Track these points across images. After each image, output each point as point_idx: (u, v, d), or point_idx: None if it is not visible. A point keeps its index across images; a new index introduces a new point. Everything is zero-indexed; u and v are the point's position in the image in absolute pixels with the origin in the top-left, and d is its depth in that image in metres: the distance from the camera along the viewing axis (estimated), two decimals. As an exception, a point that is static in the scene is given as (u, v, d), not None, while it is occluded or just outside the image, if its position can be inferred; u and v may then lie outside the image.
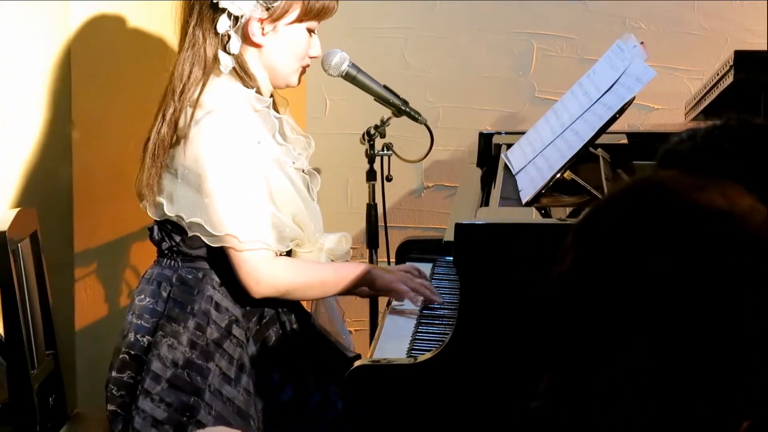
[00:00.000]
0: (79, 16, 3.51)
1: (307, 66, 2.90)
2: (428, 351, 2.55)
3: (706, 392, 1.17)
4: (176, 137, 2.76)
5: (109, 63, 3.56)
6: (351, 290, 2.88)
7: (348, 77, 3.08)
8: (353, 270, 2.86)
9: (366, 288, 2.88)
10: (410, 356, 2.60)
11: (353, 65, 3.07)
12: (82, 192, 3.54)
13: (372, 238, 3.22)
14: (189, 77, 2.76)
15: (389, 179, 3.21)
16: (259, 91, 2.82)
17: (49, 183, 3.50)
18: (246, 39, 2.79)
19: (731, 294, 1.16)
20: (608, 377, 1.19)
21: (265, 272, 2.75)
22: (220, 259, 2.77)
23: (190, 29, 2.78)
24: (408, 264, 3.08)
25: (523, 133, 3.28)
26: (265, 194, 2.76)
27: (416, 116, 3.12)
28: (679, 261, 1.16)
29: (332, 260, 2.92)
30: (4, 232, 2.90)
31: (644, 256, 1.17)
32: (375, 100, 3.13)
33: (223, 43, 2.78)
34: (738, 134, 1.61)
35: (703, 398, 1.17)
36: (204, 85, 2.75)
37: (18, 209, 3.09)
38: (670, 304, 1.16)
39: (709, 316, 1.15)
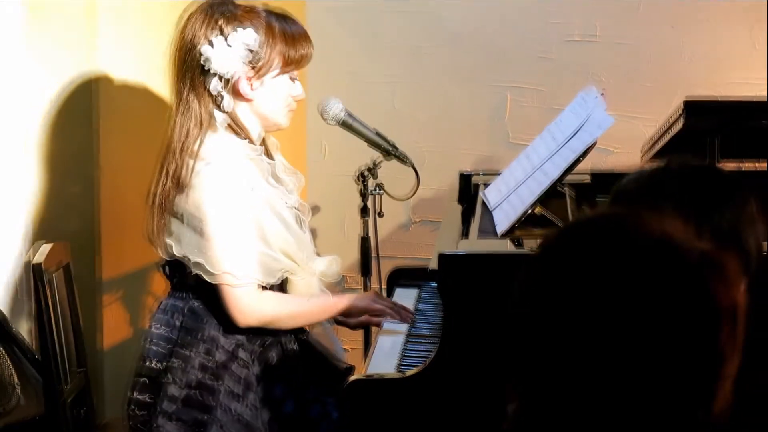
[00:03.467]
0: (105, 64, 3.52)
1: (293, 109, 2.89)
2: (415, 366, 2.56)
3: (659, 404, 1.18)
4: (180, 186, 2.77)
5: (132, 110, 3.56)
6: (332, 319, 2.90)
7: (344, 125, 3.10)
8: (332, 303, 2.88)
9: (352, 319, 2.91)
10: (399, 371, 2.60)
11: (348, 114, 3.09)
12: (108, 228, 3.54)
13: (365, 267, 3.23)
14: (187, 136, 2.76)
15: (381, 215, 3.22)
16: (251, 141, 2.84)
17: (79, 220, 3.49)
18: (237, 95, 2.80)
19: (671, 309, 1.18)
20: (568, 397, 1.20)
21: (248, 304, 2.75)
22: None
23: (184, 94, 2.78)
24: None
25: (498, 173, 3.28)
26: (255, 236, 2.76)
27: (404, 159, 3.14)
28: (626, 286, 1.18)
29: (323, 281, 2.93)
30: (40, 264, 2.92)
31: (594, 283, 1.19)
32: (368, 145, 3.15)
33: (217, 101, 2.78)
34: (676, 174, 1.67)
35: (658, 409, 1.18)
36: (202, 140, 2.76)
37: (52, 243, 3.09)
38: (620, 326, 1.17)
39: (655, 331, 1.17)
